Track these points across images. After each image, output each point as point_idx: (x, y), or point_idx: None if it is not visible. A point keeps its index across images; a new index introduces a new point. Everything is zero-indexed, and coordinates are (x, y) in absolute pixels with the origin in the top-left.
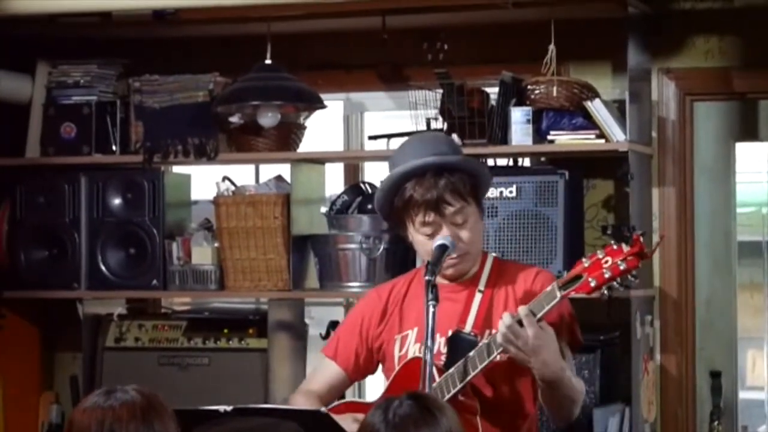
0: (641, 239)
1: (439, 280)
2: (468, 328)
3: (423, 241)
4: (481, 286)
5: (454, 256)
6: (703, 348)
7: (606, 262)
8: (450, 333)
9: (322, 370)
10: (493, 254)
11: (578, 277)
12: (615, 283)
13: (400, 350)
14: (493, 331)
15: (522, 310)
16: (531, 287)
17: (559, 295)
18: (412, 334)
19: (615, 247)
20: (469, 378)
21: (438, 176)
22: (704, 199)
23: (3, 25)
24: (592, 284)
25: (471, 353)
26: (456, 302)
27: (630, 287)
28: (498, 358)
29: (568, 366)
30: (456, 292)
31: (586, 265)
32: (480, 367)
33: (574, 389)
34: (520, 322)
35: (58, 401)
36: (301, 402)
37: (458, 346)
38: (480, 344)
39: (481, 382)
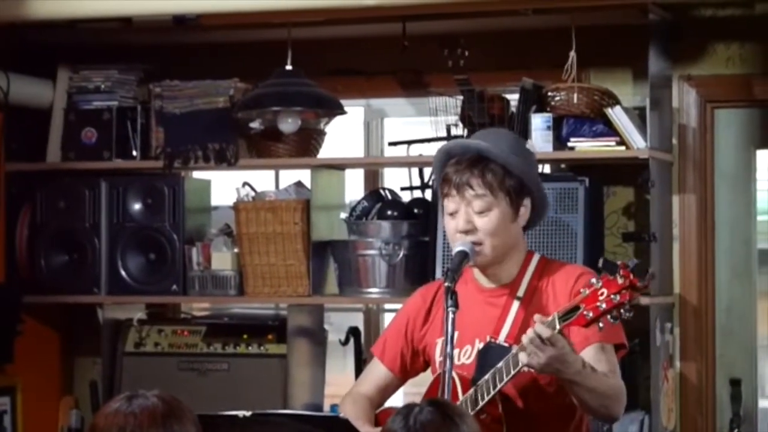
0: (631, 273)
1: (483, 282)
2: (502, 337)
3: (447, 218)
4: (521, 293)
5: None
6: (722, 356)
7: (602, 294)
8: (482, 345)
9: (371, 370)
10: (539, 255)
11: (577, 307)
12: (609, 316)
13: (440, 355)
14: None
15: (542, 329)
16: (569, 298)
17: (558, 326)
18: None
19: (610, 277)
20: (494, 392)
21: (476, 162)
22: (724, 207)
23: (24, 30)
24: (588, 317)
25: (499, 364)
26: (495, 307)
27: (627, 317)
28: (525, 369)
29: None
30: (496, 297)
31: (584, 294)
32: (506, 379)
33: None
34: (542, 338)
35: (78, 406)
36: (348, 408)
37: (489, 356)
38: (507, 356)
39: (513, 393)
